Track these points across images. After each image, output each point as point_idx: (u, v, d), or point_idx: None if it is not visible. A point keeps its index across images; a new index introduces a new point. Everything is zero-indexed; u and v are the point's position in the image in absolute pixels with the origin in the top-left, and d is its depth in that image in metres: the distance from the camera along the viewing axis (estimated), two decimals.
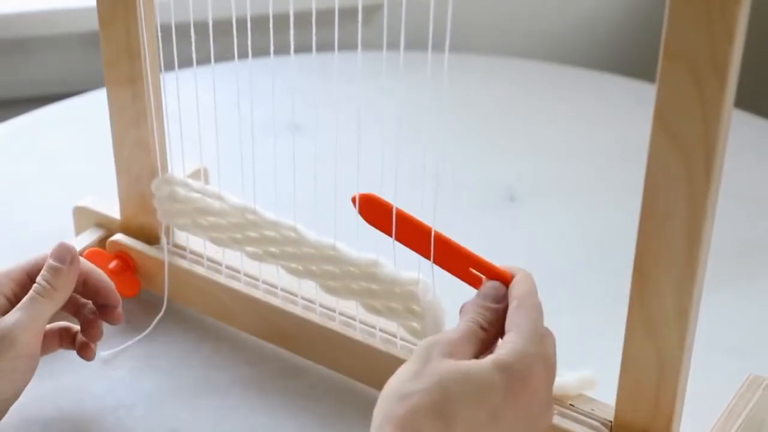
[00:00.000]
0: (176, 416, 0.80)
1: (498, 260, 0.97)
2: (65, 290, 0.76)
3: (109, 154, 0.87)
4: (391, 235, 0.71)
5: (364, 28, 0.71)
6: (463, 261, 0.70)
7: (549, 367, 0.65)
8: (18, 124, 1.14)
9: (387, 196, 0.73)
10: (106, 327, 0.81)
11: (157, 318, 0.86)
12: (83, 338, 0.79)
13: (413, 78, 0.71)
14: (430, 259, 0.71)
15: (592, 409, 0.73)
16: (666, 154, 0.61)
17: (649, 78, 0.68)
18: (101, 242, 0.90)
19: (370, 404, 0.80)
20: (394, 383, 0.62)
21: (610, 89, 1.25)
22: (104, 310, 0.79)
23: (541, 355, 0.64)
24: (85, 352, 0.79)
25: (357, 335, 0.80)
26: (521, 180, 1.08)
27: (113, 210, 0.90)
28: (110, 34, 0.82)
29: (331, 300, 0.81)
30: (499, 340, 0.65)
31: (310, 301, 0.82)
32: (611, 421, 0.72)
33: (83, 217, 0.91)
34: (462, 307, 0.68)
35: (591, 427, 0.72)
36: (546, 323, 0.89)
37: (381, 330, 0.79)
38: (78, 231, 0.92)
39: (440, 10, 0.66)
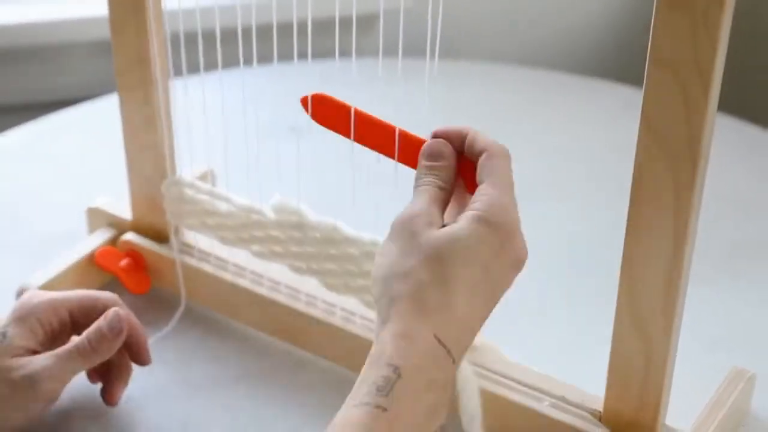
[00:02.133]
0: (185, 408, 0.80)
1: None
2: (104, 356, 0.75)
3: (121, 157, 0.87)
4: (348, 136, 0.68)
5: (363, 36, 0.71)
6: (412, 146, 0.66)
7: (516, 210, 0.63)
8: (33, 128, 1.14)
9: (386, 196, 0.73)
10: None
11: (178, 313, 0.86)
12: (110, 382, 0.78)
13: (410, 84, 0.71)
14: (393, 158, 0.67)
15: (582, 400, 0.73)
16: (652, 156, 0.61)
17: (637, 83, 0.68)
18: (113, 241, 0.90)
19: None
20: (387, 264, 0.60)
21: (600, 94, 1.25)
22: (132, 352, 0.78)
23: (514, 202, 0.62)
24: (111, 396, 0.78)
25: (357, 329, 0.80)
26: (515, 179, 1.07)
27: (124, 211, 0.90)
28: (121, 43, 0.82)
29: (332, 296, 0.81)
30: (470, 195, 0.63)
31: (312, 297, 0.82)
32: (600, 412, 0.72)
33: (96, 217, 0.91)
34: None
35: (581, 417, 0.72)
36: (538, 318, 0.90)
37: None
38: (91, 230, 0.92)
39: (436, 20, 0.67)
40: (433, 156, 0.65)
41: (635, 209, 0.63)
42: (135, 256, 0.88)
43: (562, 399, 0.74)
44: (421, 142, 0.66)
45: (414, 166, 0.66)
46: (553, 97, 1.25)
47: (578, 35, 1.54)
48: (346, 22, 0.71)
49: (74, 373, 0.75)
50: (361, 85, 0.72)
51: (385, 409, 0.55)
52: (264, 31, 0.74)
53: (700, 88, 0.58)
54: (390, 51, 0.73)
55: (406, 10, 0.69)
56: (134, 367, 0.80)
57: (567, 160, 1.12)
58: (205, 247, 0.86)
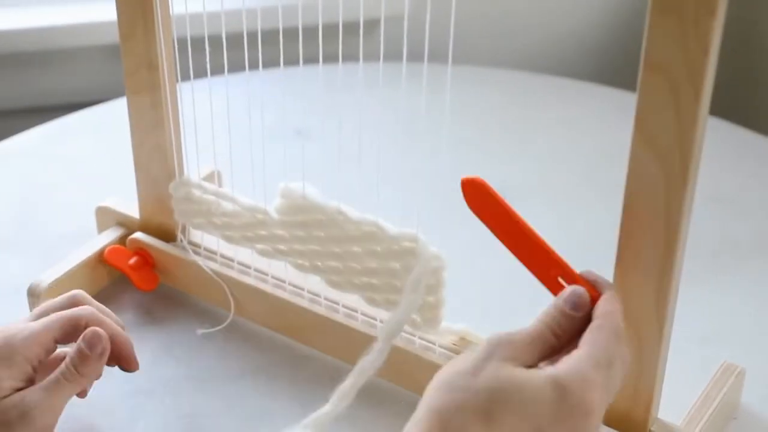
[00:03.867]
0: (192, 401, 0.80)
1: (489, 256, 0.97)
2: (91, 377, 0.72)
3: (129, 158, 0.87)
4: (496, 233, 0.65)
5: (366, 41, 0.71)
6: (553, 267, 0.64)
7: (607, 394, 0.57)
8: (45, 130, 1.14)
9: (386, 196, 0.73)
10: (121, 317, 0.81)
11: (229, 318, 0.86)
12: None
13: (411, 87, 0.71)
14: (520, 259, 0.65)
15: None
16: (645, 158, 0.61)
17: (631, 87, 0.68)
18: (122, 240, 0.90)
19: (371, 390, 0.80)
20: (450, 373, 0.57)
21: (595, 98, 1.25)
22: (120, 362, 0.75)
23: (602, 383, 0.56)
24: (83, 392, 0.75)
25: (359, 326, 0.80)
26: (511, 182, 1.08)
27: (133, 210, 0.90)
28: (130, 47, 0.82)
29: (335, 293, 0.81)
30: (566, 353, 0.58)
31: (315, 294, 0.82)
32: None
33: (105, 216, 0.91)
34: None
35: None
36: (535, 315, 0.89)
37: (381, 321, 0.79)
38: (100, 230, 0.92)
39: (435, 26, 0.67)
40: (576, 308, 0.60)
41: (628, 210, 0.63)
42: (143, 254, 0.88)
43: None
44: (562, 266, 0.63)
45: (544, 282, 0.63)
46: (548, 101, 1.25)
47: (574, 41, 1.54)
48: (348, 28, 0.71)
49: (66, 400, 0.71)
50: (364, 88, 0.72)
51: None
52: (269, 35, 0.74)
53: (691, 92, 0.58)
54: (390, 56, 0.74)
55: (408, 16, 0.69)
56: (145, 361, 0.80)
57: (563, 161, 1.12)
58: (211, 246, 0.86)
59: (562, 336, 0.59)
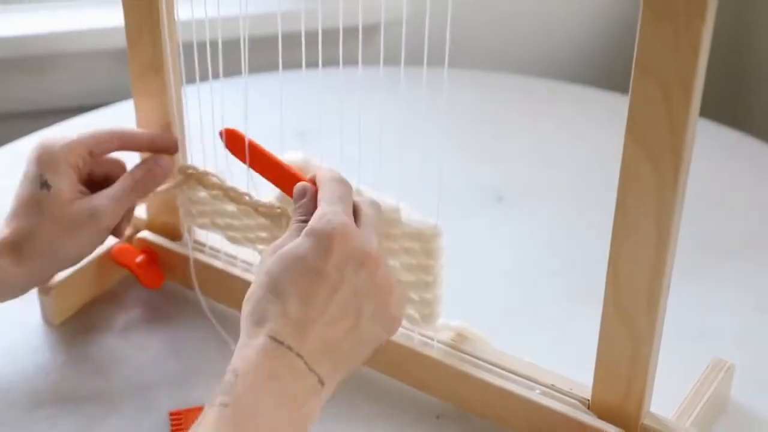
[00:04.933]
0: (197, 396, 0.80)
1: (486, 254, 0.97)
2: (152, 190, 0.81)
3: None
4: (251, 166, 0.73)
5: (365, 46, 0.72)
6: (296, 181, 0.71)
7: (349, 217, 0.64)
8: (54, 132, 1.14)
9: (386, 194, 0.73)
10: (128, 314, 0.81)
11: None
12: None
13: (411, 91, 0.71)
14: (275, 184, 0.73)
15: (571, 389, 0.74)
16: (637, 159, 0.61)
17: (623, 90, 0.68)
18: (129, 239, 0.90)
19: (370, 384, 0.80)
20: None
21: (589, 101, 1.25)
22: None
23: (343, 210, 0.64)
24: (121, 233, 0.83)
25: None
26: (508, 182, 1.08)
27: (140, 210, 0.90)
28: (137, 51, 0.82)
29: None
30: None
31: None
32: (588, 400, 0.72)
33: None
34: None
35: (570, 405, 0.73)
36: (528, 313, 0.90)
37: None
38: None
39: (434, 31, 0.67)
40: (296, 196, 0.68)
41: (621, 210, 0.64)
42: (150, 252, 0.88)
43: (552, 387, 0.74)
44: (299, 177, 0.71)
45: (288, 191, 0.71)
46: (544, 104, 1.25)
47: (569, 45, 1.55)
48: (348, 33, 0.71)
49: (128, 206, 0.80)
50: (363, 91, 0.72)
51: (226, 405, 0.57)
52: (270, 41, 0.74)
53: (682, 94, 0.58)
54: (390, 60, 0.74)
55: (406, 21, 0.69)
56: (152, 358, 0.81)
57: (558, 162, 1.12)
58: (216, 245, 0.86)
59: (308, 218, 0.65)
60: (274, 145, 0.76)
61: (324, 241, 0.62)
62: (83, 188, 0.79)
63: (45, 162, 0.77)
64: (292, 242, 0.63)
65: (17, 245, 0.76)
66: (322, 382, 0.61)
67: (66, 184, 0.77)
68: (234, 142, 0.74)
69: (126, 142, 0.81)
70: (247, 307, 0.62)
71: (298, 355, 0.60)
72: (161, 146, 0.83)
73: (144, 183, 0.81)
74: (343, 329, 0.61)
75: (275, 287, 0.61)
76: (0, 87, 1.38)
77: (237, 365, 0.59)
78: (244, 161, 0.74)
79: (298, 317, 0.60)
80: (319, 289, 0.61)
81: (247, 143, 0.73)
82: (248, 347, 0.60)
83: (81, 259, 0.80)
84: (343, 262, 0.62)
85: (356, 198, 0.67)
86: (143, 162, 0.82)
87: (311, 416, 0.60)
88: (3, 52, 1.34)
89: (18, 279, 0.77)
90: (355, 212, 0.66)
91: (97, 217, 0.78)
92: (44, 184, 0.76)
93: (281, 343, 0.60)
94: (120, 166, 0.83)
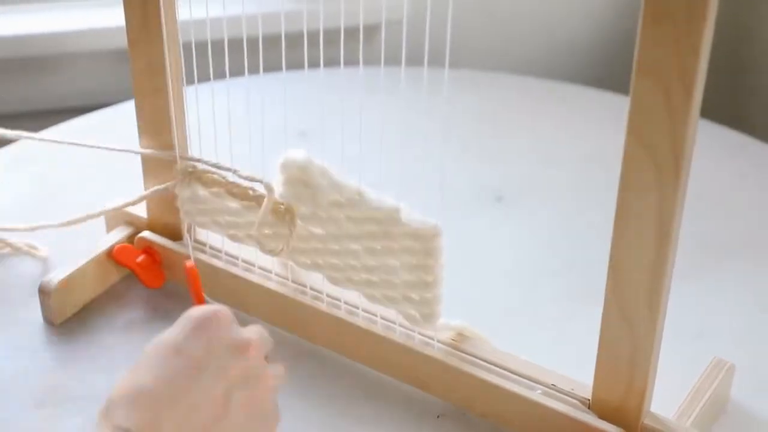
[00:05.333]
0: None
1: (486, 254, 0.97)
2: None
3: (137, 159, 0.87)
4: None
5: (366, 46, 0.71)
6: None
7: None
8: (55, 132, 1.14)
9: (386, 194, 0.73)
10: (129, 313, 0.80)
11: None
12: None
13: (411, 91, 0.71)
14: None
15: (572, 389, 0.73)
16: (638, 159, 0.61)
17: (624, 91, 0.68)
18: (130, 239, 0.90)
19: (371, 384, 0.80)
20: None
21: (589, 101, 1.25)
22: None
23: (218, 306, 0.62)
24: None
25: (360, 322, 0.80)
26: (508, 182, 1.08)
27: (140, 210, 0.90)
28: (138, 52, 0.82)
29: (336, 290, 0.81)
30: None
31: (318, 291, 0.82)
32: (589, 399, 0.72)
33: (113, 216, 0.91)
34: None
35: (571, 404, 0.72)
36: (531, 311, 0.90)
37: (382, 317, 0.79)
38: (109, 229, 0.92)
39: (434, 31, 0.67)
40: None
41: (622, 210, 0.63)
42: (150, 252, 0.88)
43: (553, 387, 0.74)
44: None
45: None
46: (546, 104, 1.25)
47: (569, 46, 1.55)
48: (348, 33, 0.71)
49: None
50: (365, 91, 0.72)
51: None
52: (272, 40, 0.74)
53: (683, 96, 0.57)
54: (391, 60, 0.73)
55: (407, 22, 0.69)
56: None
57: (558, 162, 1.12)
58: (216, 244, 0.86)
59: None
60: (276, 144, 0.76)
61: (193, 323, 0.59)
62: None
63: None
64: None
65: None
66: None
67: None
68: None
69: None
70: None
71: None
72: None
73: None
74: (207, 418, 0.57)
75: (132, 373, 0.57)
76: (1, 87, 1.38)
77: None
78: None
79: (153, 400, 0.56)
80: (181, 370, 0.57)
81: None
82: None
83: None
84: (211, 345, 0.58)
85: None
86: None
87: None
88: (4, 52, 1.34)
89: None
90: None
91: None
92: None
93: (126, 431, 0.55)
94: None
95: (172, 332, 0.59)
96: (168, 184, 0.84)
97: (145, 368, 0.57)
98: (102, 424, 0.56)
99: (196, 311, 0.60)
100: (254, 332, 0.63)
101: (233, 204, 0.82)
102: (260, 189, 0.79)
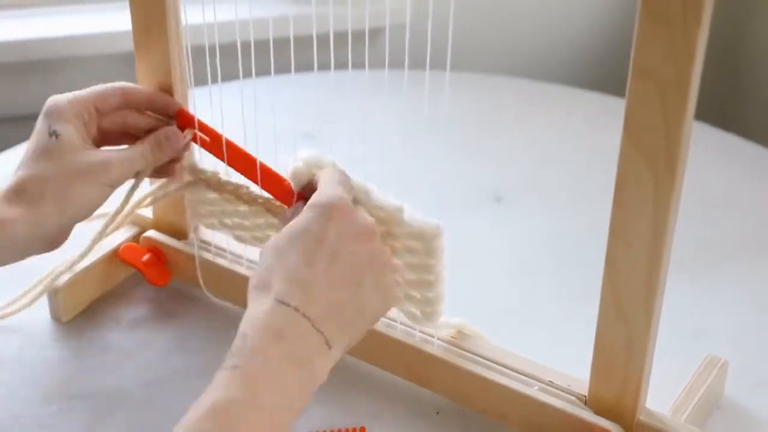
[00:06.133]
0: (203, 391, 0.80)
1: (485, 254, 0.97)
2: (162, 161, 0.80)
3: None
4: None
5: (371, 50, 0.72)
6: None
7: (346, 191, 0.67)
8: None
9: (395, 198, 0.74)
10: (135, 311, 0.81)
11: None
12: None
13: (413, 93, 0.72)
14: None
15: (569, 385, 0.74)
16: (634, 160, 0.61)
17: (620, 93, 0.68)
18: (135, 238, 0.90)
19: (371, 380, 0.80)
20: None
21: (586, 103, 1.25)
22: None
23: (342, 190, 0.67)
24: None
25: None
26: (507, 183, 1.08)
27: (146, 210, 0.90)
28: (144, 55, 0.82)
29: None
30: None
31: None
32: (585, 396, 0.72)
33: (120, 215, 0.91)
34: None
35: (568, 401, 0.73)
36: (529, 310, 0.90)
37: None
38: (107, 233, 0.92)
39: (436, 35, 0.67)
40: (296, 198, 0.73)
41: (618, 209, 0.64)
42: (156, 251, 0.89)
43: (550, 384, 0.74)
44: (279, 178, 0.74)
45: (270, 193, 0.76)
46: (544, 106, 1.25)
47: (567, 50, 1.55)
48: (354, 36, 0.71)
49: (135, 168, 0.78)
50: (369, 94, 0.72)
51: (236, 367, 0.58)
52: (281, 43, 0.75)
53: (678, 98, 0.58)
54: (394, 64, 0.74)
55: (409, 26, 0.69)
56: (159, 353, 0.81)
57: (556, 163, 1.12)
58: (221, 244, 0.86)
59: None
60: (284, 145, 0.76)
61: (324, 211, 0.64)
62: (92, 144, 0.78)
63: (52, 113, 0.76)
64: (295, 219, 0.65)
65: (24, 189, 0.74)
66: (329, 344, 0.62)
67: (74, 132, 0.76)
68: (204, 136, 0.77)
69: (128, 97, 0.80)
70: (253, 279, 0.63)
71: (305, 316, 0.61)
72: (160, 104, 0.82)
73: (155, 151, 0.79)
74: (346, 293, 0.63)
75: (281, 256, 0.63)
76: (10, 90, 1.39)
77: (245, 329, 0.60)
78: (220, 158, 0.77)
79: (303, 280, 0.62)
80: (321, 254, 0.63)
81: (223, 141, 0.75)
82: (256, 311, 0.61)
83: (86, 212, 0.77)
84: (343, 231, 0.64)
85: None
86: (158, 132, 0.80)
87: (319, 377, 0.61)
88: (13, 55, 1.35)
89: (19, 225, 0.73)
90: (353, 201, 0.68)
91: (107, 168, 0.76)
92: (53, 134, 0.75)
93: (287, 304, 0.61)
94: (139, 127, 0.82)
95: (306, 221, 0.64)
96: (177, 186, 0.84)
97: (290, 253, 0.62)
98: (260, 297, 0.62)
99: (323, 199, 0.65)
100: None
101: (241, 207, 0.82)
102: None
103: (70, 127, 0.76)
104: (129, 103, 0.81)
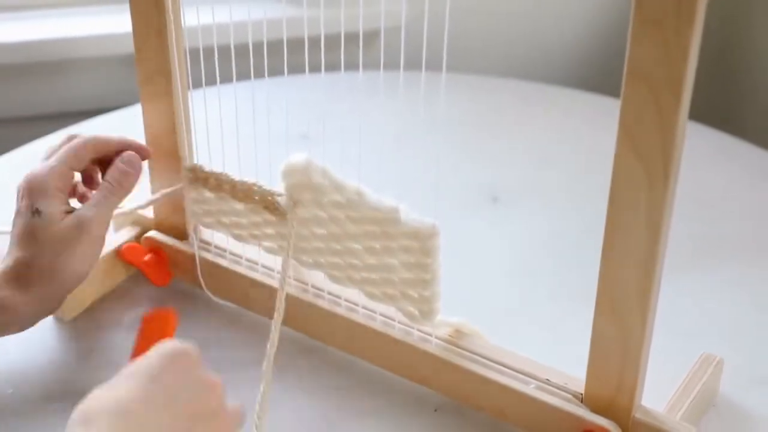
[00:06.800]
0: None
1: (482, 253, 0.97)
2: (131, 189, 0.81)
3: (144, 161, 0.87)
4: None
5: (366, 51, 0.72)
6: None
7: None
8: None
9: (385, 195, 0.73)
10: (136, 310, 0.81)
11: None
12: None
13: (409, 94, 0.72)
14: None
15: (565, 383, 0.74)
16: (628, 160, 0.61)
17: (615, 94, 0.68)
18: (137, 238, 0.90)
19: (370, 378, 0.81)
20: None
21: (582, 104, 1.25)
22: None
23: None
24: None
25: (360, 319, 0.80)
26: (504, 184, 1.08)
27: (147, 210, 0.90)
28: (144, 57, 0.82)
29: (337, 288, 0.81)
30: None
31: (319, 289, 0.82)
32: (582, 394, 0.72)
33: (121, 216, 0.92)
34: None
35: (564, 398, 0.73)
36: (527, 309, 0.90)
37: (381, 314, 0.79)
38: (117, 229, 0.92)
39: (432, 37, 0.67)
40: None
41: (613, 209, 0.64)
42: (157, 251, 0.89)
43: (547, 382, 0.74)
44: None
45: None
46: (540, 107, 1.25)
47: (562, 51, 1.55)
48: (349, 38, 0.71)
49: (112, 211, 0.80)
50: (364, 95, 0.72)
51: None
52: (275, 46, 0.75)
53: (672, 98, 0.58)
54: (390, 65, 0.74)
55: (405, 28, 0.69)
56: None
57: (552, 164, 1.12)
58: (221, 243, 0.86)
59: None
60: (279, 147, 0.76)
61: (167, 354, 0.61)
62: (71, 207, 0.78)
63: (34, 191, 0.77)
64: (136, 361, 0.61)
65: (18, 274, 0.75)
66: None
67: (56, 206, 0.77)
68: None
69: (100, 148, 0.81)
70: (74, 413, 0.58)
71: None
72: (133, 147, 0.82)
73: (120, 183, 0.80)
74: None
75: (111, 388, 0.59)
76: (11, 91, 1.39)
77: None
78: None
79: (130, 414, 0.57)
80: (155, 393, 0.58)
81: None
82: None
83: (83, 275, 0.78)
84: (184, 378, 0.61)
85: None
86: (114, 165, 0.81)
87: None
88: (13, 57, 1.35)
89: (25, 308, 0.75)
90: None
91: (84, 226, 0.77)
92: (35, 212, 0.76)
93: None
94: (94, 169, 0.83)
95: (148, 361, 0.60)
96: (176, 187, 0.84)
97: (123, 388, 0.58)
98: (76, 430, 0.57)
99: (170, 345, 0.62)
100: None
101: (238, 205, 0.82)
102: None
103: (54, 202, 0.77)
104: (101, 152, 0.81)
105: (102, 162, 0.82)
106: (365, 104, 0.72)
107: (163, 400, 0.58)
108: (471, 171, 1.10)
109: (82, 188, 0.84)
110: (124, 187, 0.80)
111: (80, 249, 0.76)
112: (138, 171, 0.81)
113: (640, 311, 0.66)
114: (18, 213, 0.78)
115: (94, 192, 0.80)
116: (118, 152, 0.82)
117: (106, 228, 0.79)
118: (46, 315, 0.78)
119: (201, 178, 0.82)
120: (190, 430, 0.59)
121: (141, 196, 0.91)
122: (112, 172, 0.80)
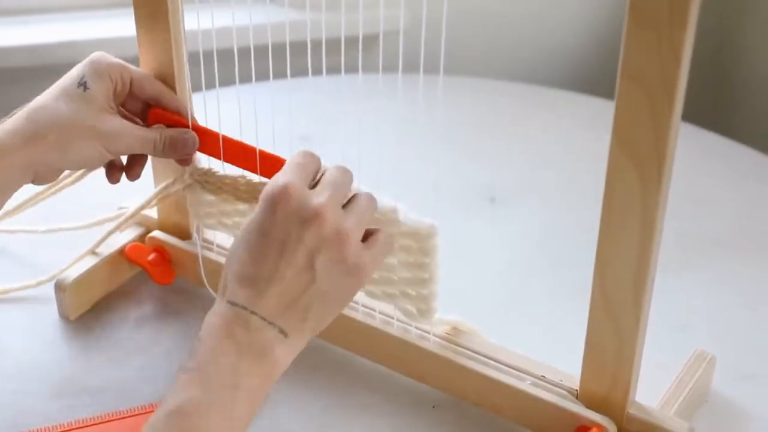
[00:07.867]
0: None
1: (480, 253, 0.97)
2: (171, 156, 0.79)
3: (148, 163, 0.87)
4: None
5: (365, 54, 0.71)
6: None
7: (299, 178, 0.64)
8: None
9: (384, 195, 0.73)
10: (140, 309, 0.81)
11: None
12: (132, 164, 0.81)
13: (408, 97, 0.71)
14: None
15: (561, 380, 0.74)
16: (622, 161, 0.61)
17: (609, 96, 0.68)
18: (141, 238, 0.90)
19: (369, 375, 0.80)
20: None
21: (577, 106, 1.25)
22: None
23: (293, 173, 0.64)
24: (134, 175, 0.82)
25: (360, 317, 0.80)
26: (501, 184, 1.08)
27: (151, 211, 0.90)
28: (147, 60, 0.82)
29: None
30: None
31: None
32: (576, 390, 0.72)
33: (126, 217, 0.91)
34: None
35: (559, 395, 0.73)
36: (523, 308, 0.90)
37: (380, 312, 0.79)
38: (122, 229, 0.92)
39: (430, 40, 0.67)
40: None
41: (607, 209, 0.64)
42: (161, 251, 0.88)
43: (542, 378, 0.74)
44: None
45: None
46: (535, 109, 1.25)
47: (558, 54, 1.55)
48: (349, 42, 0.71)
49: (142, 151, 0.78)
50: (364, 97, 0.72)
51: (191, 369, 0.60)
52: (276, 49, 0.74)
53: (665, 100, 0.58)
54: (389, 68, 0.74)
55: (404, 31, 0.69)
56: (165, 350, 0.81)
57: (548, 165, 1.12)
58: (223, 243, 0.86)
59: None
60: (280, 148, 0.76)
61: (267, 204, 0.62)
62: (113, 110, 0.76)
63: (90, 67, 0.76)
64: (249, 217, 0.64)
65: (32, 119, 0.74)
66: (285, 333, 0.61)
67: (102, 92, 0.75)
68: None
69: (159, 100, 0.79)
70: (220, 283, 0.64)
71: (254, 313, 0.61)
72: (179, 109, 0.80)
73: (167, 148, 0.78)
74: (297, 284, 0.62)
75: (233, 257, 0.63)
76: (17, 95, 1.38)
77: (202, 332, 0.61)
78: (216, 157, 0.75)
79: (252, 278, 0.61)
80: (267, 249, 0.62)
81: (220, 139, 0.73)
82: (212, 315, 0.62)
83: (77, 167, 0.77)
84: (287, 219, 0.62)
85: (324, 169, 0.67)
86: (180, 131, 0.78)
87: (281, 364, 0.62)
88: (20, 60, 1.35)
89: (18, 157, 0.73)
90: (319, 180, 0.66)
91: (118, 139, 0.75)
92: (82, 83, 0.75)
93: (236, 305, 0.61)
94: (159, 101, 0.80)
95: (254, 217, 0.63)
96: (178, 188, 0.84)
97: (242, 250, 0.62)
98: (218, 299, 0.63)
99: (267, 189, 0.63)
100: (327, 185, 0.65)
101: (239, 206, 0.82)
102: None
103: (102, 86, 0.75)
104: (157, 104, 0.79)
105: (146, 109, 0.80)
106: (365, 106, 0.72)
107: (276, 250, 0.61)
108: (469, 172, 1.10)
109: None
110: (166, 153, 0.78)
111: (95, 149, 0.75)
112: (189, 148, 0.79)
113: (634, 309, 0.66)
114: (67, 74, 0.76)
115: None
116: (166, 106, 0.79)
117: (126, 153, 0.78)
118: (28, 179, 0.75)
119: (204, 179, 0.82)
120: (311, 264, 0.61)
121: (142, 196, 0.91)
122: (173, 133, 0.78)
